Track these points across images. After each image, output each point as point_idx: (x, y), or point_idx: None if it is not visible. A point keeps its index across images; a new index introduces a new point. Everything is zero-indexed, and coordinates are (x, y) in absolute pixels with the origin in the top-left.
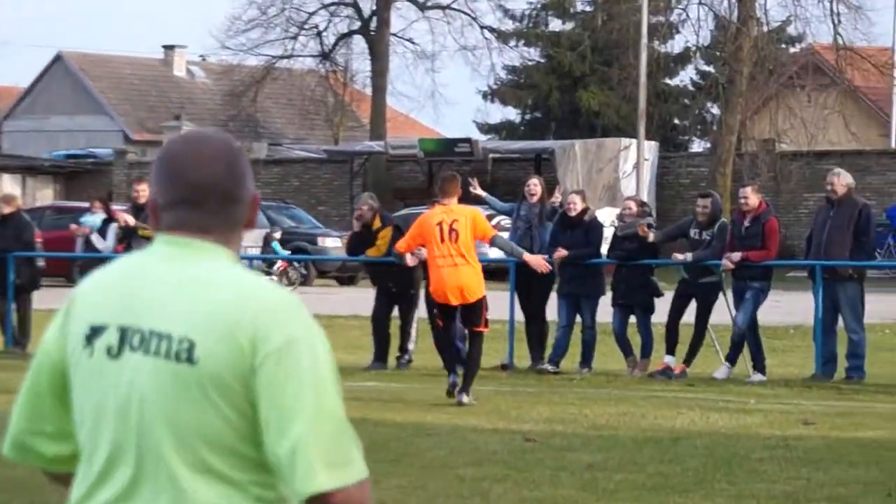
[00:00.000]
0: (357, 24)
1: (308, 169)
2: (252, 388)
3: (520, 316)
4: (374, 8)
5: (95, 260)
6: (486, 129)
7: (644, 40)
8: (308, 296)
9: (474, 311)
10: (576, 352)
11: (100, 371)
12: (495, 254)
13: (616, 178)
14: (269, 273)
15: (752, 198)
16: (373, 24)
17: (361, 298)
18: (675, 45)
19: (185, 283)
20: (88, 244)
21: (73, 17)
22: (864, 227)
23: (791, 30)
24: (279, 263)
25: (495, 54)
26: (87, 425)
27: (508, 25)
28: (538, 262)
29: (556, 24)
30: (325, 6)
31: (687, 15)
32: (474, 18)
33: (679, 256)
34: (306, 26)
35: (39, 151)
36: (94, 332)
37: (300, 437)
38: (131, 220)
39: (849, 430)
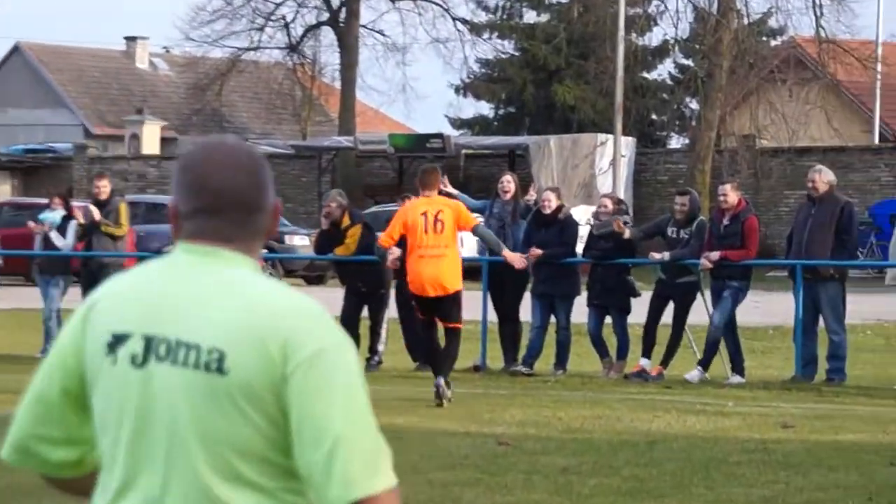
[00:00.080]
0: (326, 16)
1: (275, 165)
2: (283, 398)
3: (493, 316)
4: None
5: (54, 258)
6: (458, 124)
7: (621, 33)
8: None
9: (451, 305)
10: (550, 353)
11: (124, 380)
12: (467, 252)
13: (592, 175)
14: None
15: (731, 195)
16: (342, 16)
17: (330, 298)
18: (654, 38)
19: (211, 293)
20: (47, 242)
21: (31, 6)
22: (845, 225)
23: (772, 22)
24: None
25: (468, 47)
26: (109, 433)
27: (482, 17)
28: (516, 258)
29: (530, 16)
30: None
31: (665, 6)
32: (446, 10)
33: (656, 256)
34: (273, 17)
35: None
36: (117, 341)
37: (335, 445)
38: (97, 214)
39: (829, 434)
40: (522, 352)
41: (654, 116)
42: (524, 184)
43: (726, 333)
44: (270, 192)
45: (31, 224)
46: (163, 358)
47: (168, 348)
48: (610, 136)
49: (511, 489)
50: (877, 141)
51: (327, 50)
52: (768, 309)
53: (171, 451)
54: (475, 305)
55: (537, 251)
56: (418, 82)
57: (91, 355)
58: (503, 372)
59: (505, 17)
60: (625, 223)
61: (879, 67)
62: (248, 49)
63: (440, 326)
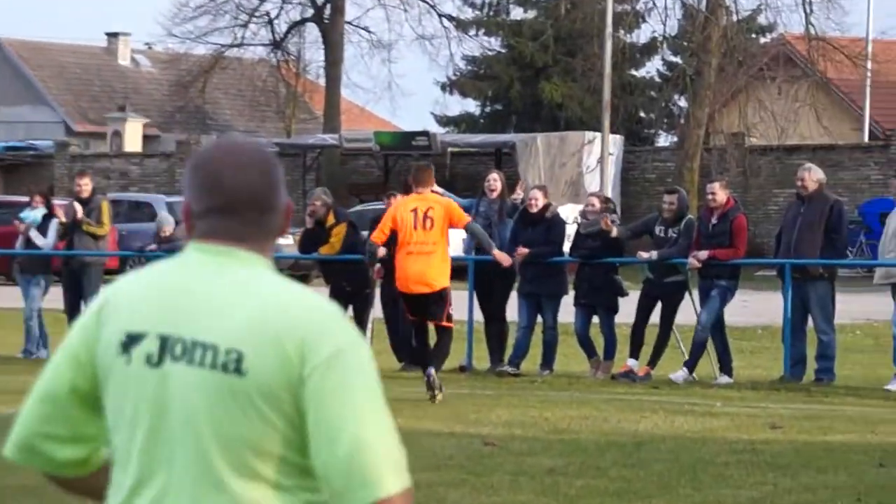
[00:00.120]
0: (310, 12)
1: None
2: (300, 398)
3: (479, 316)
4: None
5: (35, 257)
6: (444, 121)
7: (609, 30)
8: None
9: (437, 302)
10: (536, 353)
11: (138, 379)
12: (452, 251)
13: (579, 173)
14: None
15: (719, 194)
16: (326, 12)
17: None
18: (642, 35)
19: (227, 293)
20: (29, 241)
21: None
22: (835, 224)
23: (762, 19)
24: None
25: (454, 44)
26: (123, 432)
27: (468, 14)
28: (504, 258)
29: (517, 13)
30: None
31: (654, 3)
32: (433, 6)
33: (644, 255)
34: (257, 13)
35: None
36: (132, 340)
37: (355, 445)
38: (80, 211)
39: (817, 434)
40: (509, 352)
41: (642, 114)
42: (511, 182)
43: (714, 333)
44: (283, 191)
45: (18, 223)
46: (178, 358)
47: (184, 348)
48: (597, 134)
49: (497, 490)
50: (867, 139)
51: (312, 47)
52: (757, 308)
53: (187, 449)
54: (461, 305)
55: (524, 250)
56: (404, 79)
57: (103, 354)
58: (489, 372)
59: (491, 13)
60: (612, 221)
61: (869, 65)
62: (231, 46)
63: (432, 328)
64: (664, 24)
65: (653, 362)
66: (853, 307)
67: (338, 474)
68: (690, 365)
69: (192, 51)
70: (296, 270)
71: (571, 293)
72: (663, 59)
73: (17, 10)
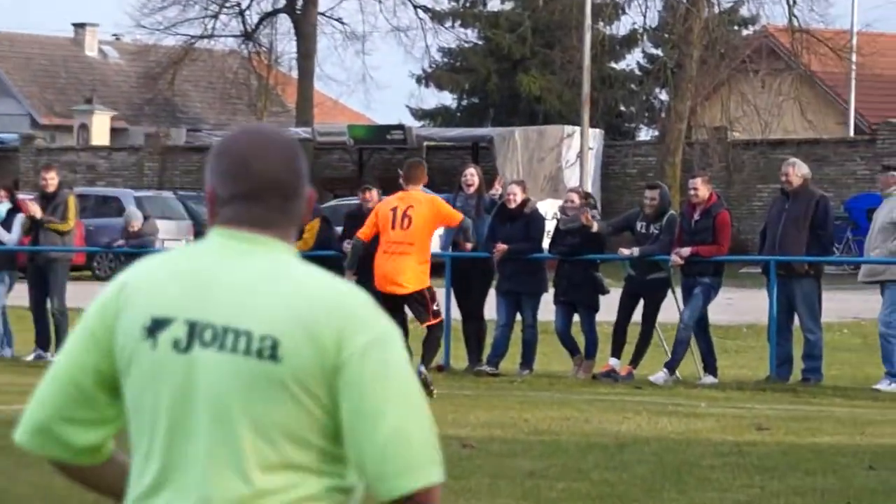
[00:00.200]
0: (282, 3)
1: None
2: (335, 386)
3: (456, 314)
4: None
5: (1, 253)
6: (420, 114)
7: (588, 21)
8: None
9: (415, 305)
10: (516, 352)
11: (165, 364)
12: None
13: (559, 168)
14: None
15: (702, 189)
16: (299, 3)
17: None
18: (621, 27)
19: (255, 279)
20: None
21: None
22: (821, 220)
23: (744, 11)
24: None
25: (430, 35)
26: (145, 416)
27: (444, 5)
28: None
29: (494, 4)
30: None
31: None
32: None
33: (625, 251)
34: (228, 4)
35: None
36: (158, 325)
37: (393, 435)
38: (38, 212)
39: (805, 436)
40: (487, 351)
41: (622, 108)
42: (488, 177)
43: (698, 332)
44: (306, 179)
45: None
46: (208, 344)
47: (214, 334)
48: (577, 128)
49: (475, 493)
50: (852, 133)
51: (284, 38)
52: (741, 306)
53: (216, 435)
54: (438, 303)
55: (502, 246)
56: (378, 72)
57: (125, 337)
58: (467, 372)
59: (468, 4)
60: (593, 217)
61: (854, 58)
62: (201, 37)
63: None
64: (644, 16)
65: (635, 362)
66: (840, 305)
67: (376, 462)
68: (672, 365)
69: (161, 42)
70: None
71: (551, 291)
72: (644, 52)
73: None
